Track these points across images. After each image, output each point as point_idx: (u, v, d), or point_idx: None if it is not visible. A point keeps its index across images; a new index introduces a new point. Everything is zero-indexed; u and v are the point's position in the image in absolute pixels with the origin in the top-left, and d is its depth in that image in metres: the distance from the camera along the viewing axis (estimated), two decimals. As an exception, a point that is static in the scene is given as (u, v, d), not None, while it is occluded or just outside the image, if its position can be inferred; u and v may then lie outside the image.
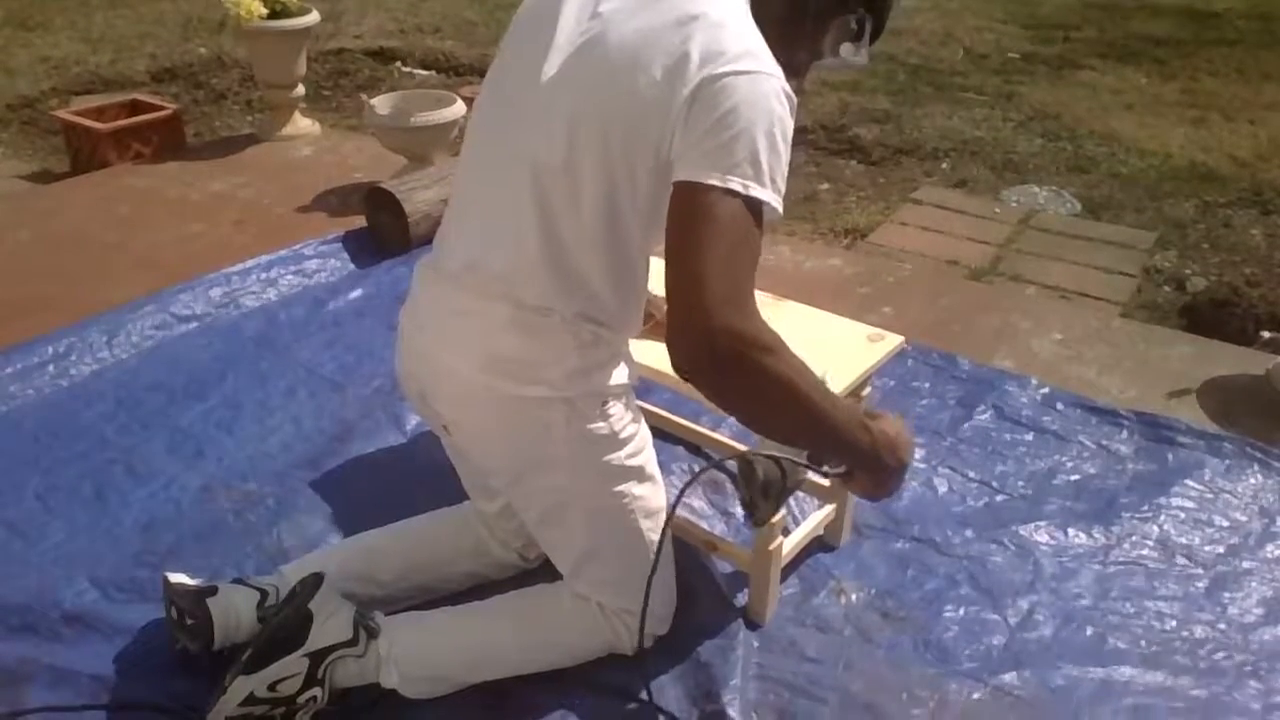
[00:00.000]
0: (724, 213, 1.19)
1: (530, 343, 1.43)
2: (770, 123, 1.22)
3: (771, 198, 1.22)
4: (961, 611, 1.90)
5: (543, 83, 1.38)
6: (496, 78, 1.50)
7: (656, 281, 1.59)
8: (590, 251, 1.41)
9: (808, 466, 1.37)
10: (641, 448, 1.57)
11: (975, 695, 1.72)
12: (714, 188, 1.20)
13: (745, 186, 1.20)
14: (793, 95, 1.27)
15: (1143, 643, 1.85)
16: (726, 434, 2.26)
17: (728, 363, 1.18)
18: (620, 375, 1.52)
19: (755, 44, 1.28)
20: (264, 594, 1.68)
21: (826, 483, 2.07)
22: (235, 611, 1.65)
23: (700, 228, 1.19)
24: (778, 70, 1.27)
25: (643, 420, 1.60)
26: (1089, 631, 1.87)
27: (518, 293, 1.42)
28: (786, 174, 1.26)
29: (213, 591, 1.66)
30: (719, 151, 1.21)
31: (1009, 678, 1.75)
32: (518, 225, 1.41)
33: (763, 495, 1.37)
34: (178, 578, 1.70)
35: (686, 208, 1.22)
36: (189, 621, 1.64)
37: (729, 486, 2.18)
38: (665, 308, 1.81)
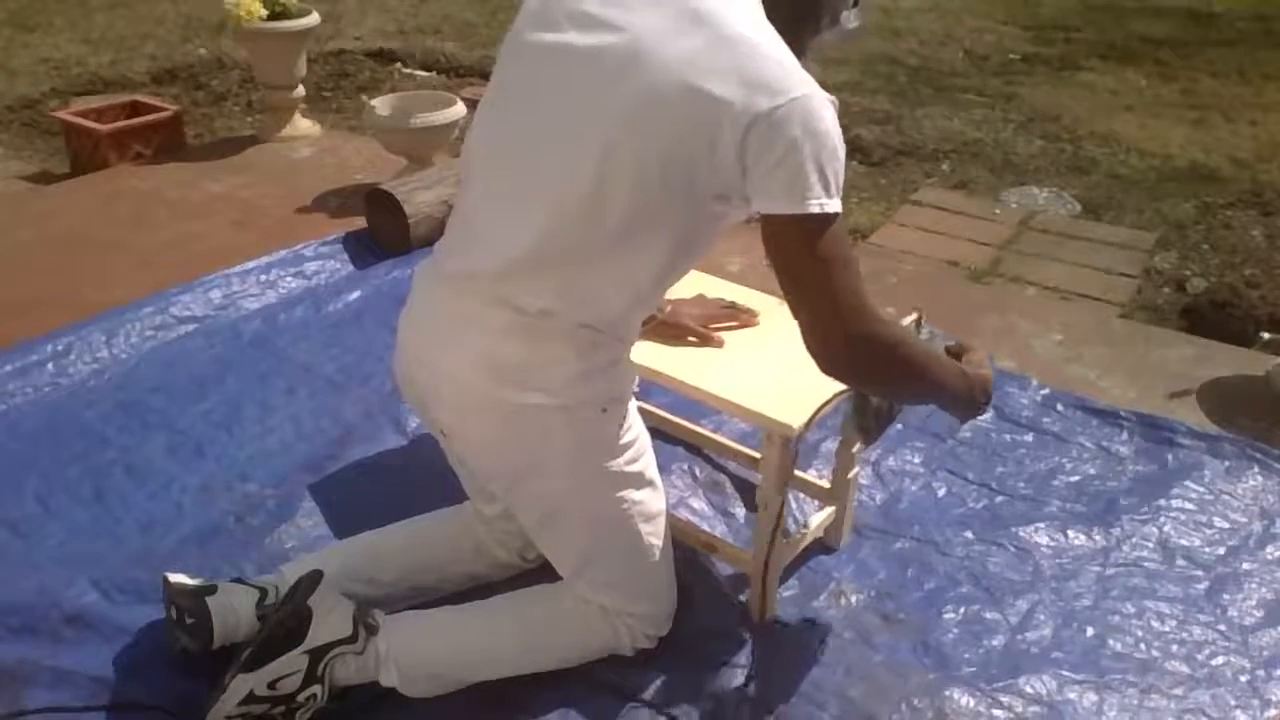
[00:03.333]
0: (819, 234, 1.29)
1: (529, 348, 1.43)
2: (829, 136, 1.29)
3: (839, 205, 1.31)
4: (961, 614, 1.90)
5: (566, 103, 1.37)
6: (502, 86, 1.47)
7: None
8: (607, 270, 1.40)
9: None
10: (641, 453, 1.57)
11: (974, 704, 1.72)
12: (799, 214, 1.28)
13: (822, 205, 1.28)
14: (833, 100, 1.32)
15: (1141, 646, 1.85)
16: (727, 436, 2.26)
17: (868, 363, 1.37)
18: (620, 380, 1.52)
19: (788, 61, 1.30)
20: (263, 593, 1.68)
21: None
22: (235, 610, 1.65)
23: (808, 255, 1.30)
24: (813, 83, 1.30)
25: (642, 425, 1.60)
26: (1089, 635, 1.87)
27: (518, 299, 1.42)
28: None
29: (212, 590, 1.66)
30: (793, 180, 1.27)
31: (1007, 686, 1.75)
32: (530, 240, 1.40)
33: (874, 421, 1.63)
34: (178, 578, 1.70)
35: (784, 237, 1.31)
36: (189, 621, 1.64)
37: (729, 487, 2.19)
38: (667, 308, 1.83)
